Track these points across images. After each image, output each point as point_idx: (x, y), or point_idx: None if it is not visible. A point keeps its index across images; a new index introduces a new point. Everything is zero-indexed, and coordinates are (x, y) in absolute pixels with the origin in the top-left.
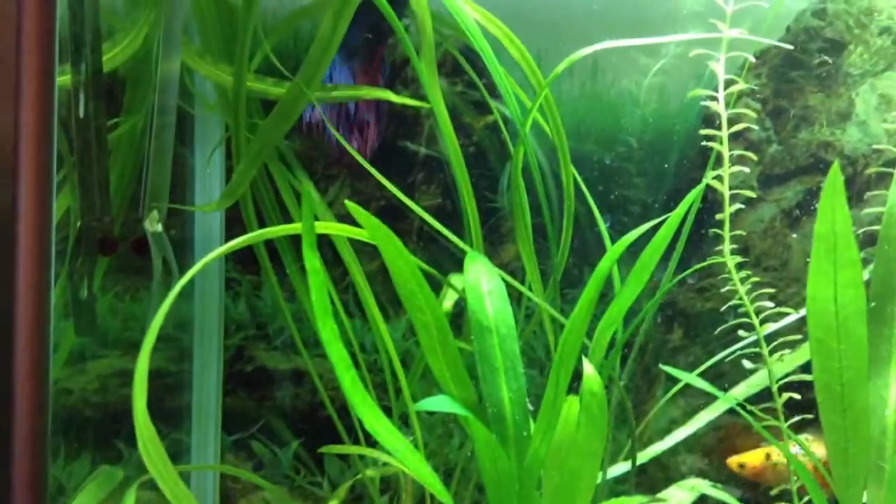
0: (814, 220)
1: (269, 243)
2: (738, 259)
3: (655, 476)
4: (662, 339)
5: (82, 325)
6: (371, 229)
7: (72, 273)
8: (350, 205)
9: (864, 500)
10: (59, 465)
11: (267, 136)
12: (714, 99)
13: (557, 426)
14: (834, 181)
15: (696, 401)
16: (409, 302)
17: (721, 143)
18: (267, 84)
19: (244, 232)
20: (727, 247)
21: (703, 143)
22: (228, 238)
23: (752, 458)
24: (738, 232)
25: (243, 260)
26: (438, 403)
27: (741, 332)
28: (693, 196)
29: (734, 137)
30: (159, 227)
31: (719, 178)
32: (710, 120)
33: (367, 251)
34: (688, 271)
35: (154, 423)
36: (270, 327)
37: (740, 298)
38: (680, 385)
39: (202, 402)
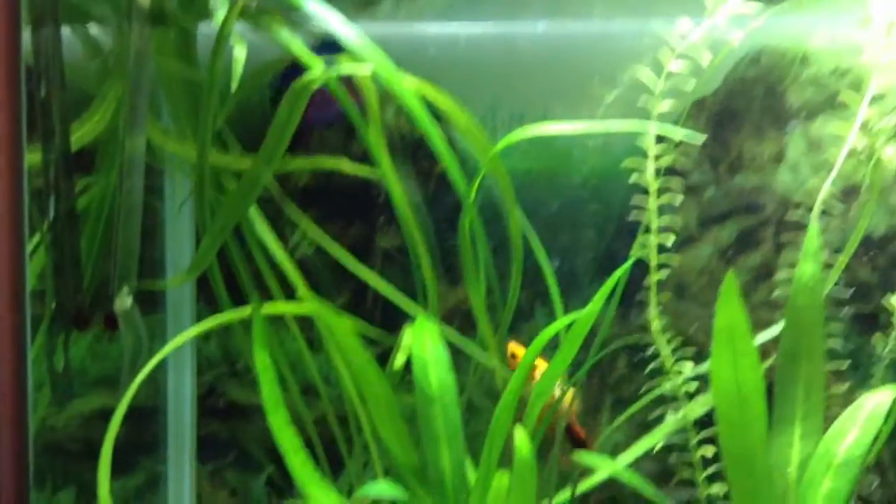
0: (747, 257)
1: (238, 287)
2: (663, 321)
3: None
4: (608, 370)
5: (59, 394)
6: (323, 319)
7: (49, 349)
8: (303, 294)
9: None
10: (47, 496)
11: (230, 212)
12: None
13: (489, 498)
14: (729, 287)
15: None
16: (358, 377)
17: (648, 209)
18: (230, 158)
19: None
20: (654, 311)
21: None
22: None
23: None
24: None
25: (214, 301)
26: (380, 489)
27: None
28: (619, 273)
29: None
30: (129, 303)
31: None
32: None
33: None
34: (614, 345)
35: (132, 455)
36: (240, 365)
37: (664, 364)
38: (627, 414)
39: (177, 434)
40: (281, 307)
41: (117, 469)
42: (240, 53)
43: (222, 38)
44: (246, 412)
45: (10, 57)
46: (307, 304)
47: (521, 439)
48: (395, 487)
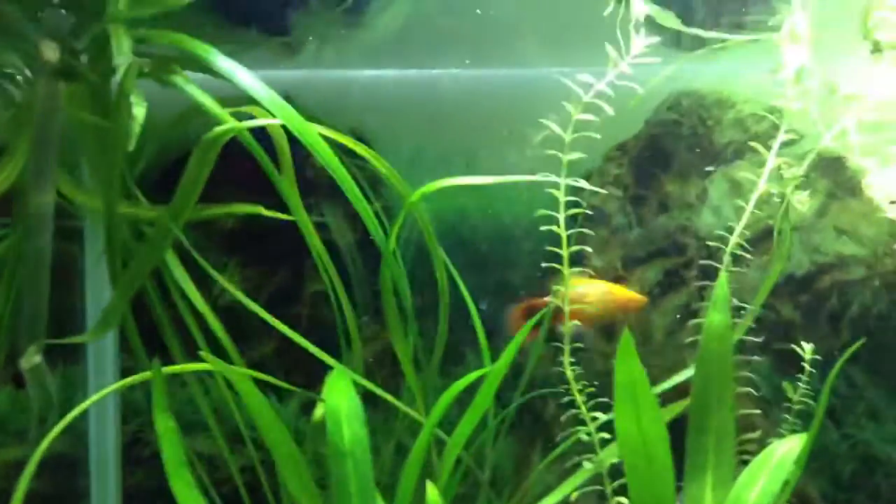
0: (672, 297)
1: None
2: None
3: None
4: (539, 411)
5: None
6: (222, 371)
7: None
8: (205, 355)
9: None
10: None
11: (140, 263)
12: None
13: None
14: (626, 344)
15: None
16: (268, 437)
17: (563, 264)
18: (140, 209)
19: None
20: (567, 359)
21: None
22: None
23: None
24: (578, 345)
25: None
26: None
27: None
28: (531, 323)
29: (599, 222)
30: (36, 360)
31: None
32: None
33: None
34: (531, 395)
35: None
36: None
37: (580, 411)
38: (554, 454)
39: (101, 484)
40: (182, 367)
41: None
42: (139, 112)
43: (123, 95)
44: None
45: None
46: (209, 361)
47: (432, 494)
48: None
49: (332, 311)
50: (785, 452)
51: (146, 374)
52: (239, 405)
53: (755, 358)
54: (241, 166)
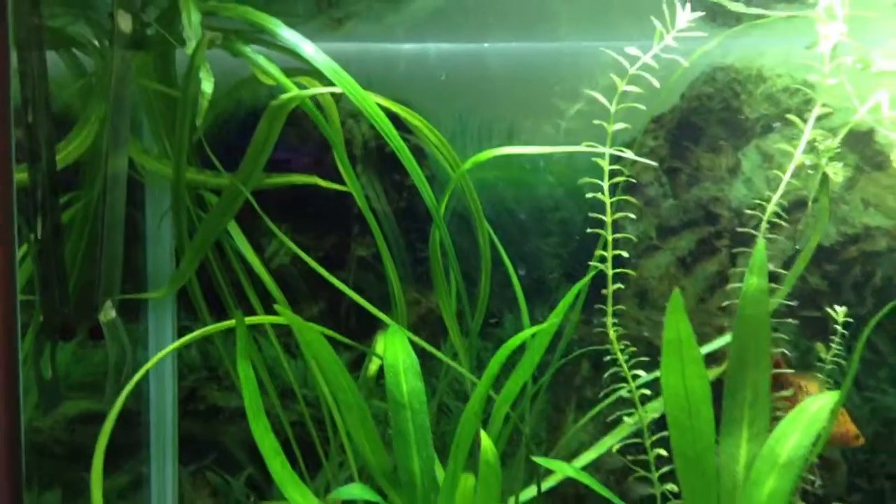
0: (703, 265)
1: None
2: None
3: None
4: (572, 372)
5: (47, 402)
6: (300, 331)
7: (36, 359)
8: (280, 308)
9: None
10: (34, 497)
11: (209, 228)
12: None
13: (456, 498)
14: (675, 302)
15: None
16: (332, 384)
17: (606, 229)
18: (207, 176)
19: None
20: (610, 320)
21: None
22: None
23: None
24: (619, 307)
25: (193, 309)
26: (353, 492)
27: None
28: (578, 287)
29: (634, 193)
30: (112, 314)
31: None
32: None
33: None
34: (574, 354)
35: (116, 457)
36: (220, 370)
37: (622, 369)
38: (588, 416)
39: (159, 437)
40: (261, 318)
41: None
42: (207, 87)
43: (193, 69)
44: (225, 415)
45: (1, 84)
46: (285, 315)
47: (487, 444)
48: (367, 490)
49: (374, 277)
50: (818, 408)
51: (229, 323)
52: (289, 362)
53: (789, 320)
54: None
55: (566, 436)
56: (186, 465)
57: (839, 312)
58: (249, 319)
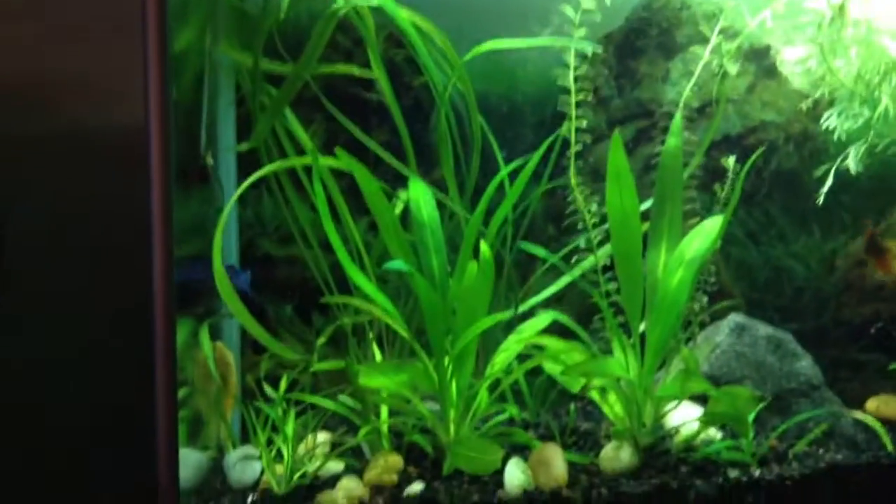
0: (642, 148)
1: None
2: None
3: None
4: (542, 228)
5: None
6: (352, 167)
7: None
8: (338, 150)
9: (643, 325)
10: None
11: (278, 102)
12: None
13: (463, 279)
14: (616, 142)
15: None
16: (375, 208)
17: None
18: (275, 65)
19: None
20: (573, 173)
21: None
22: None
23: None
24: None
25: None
26: (397, 265)
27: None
28: (548, 142)
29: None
30: (211, 161)
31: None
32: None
33: None
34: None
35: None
36: (271, 226)
37: (580, 210)
38: (548, 264)
39: None
40: (326, 161)
41: None
42: None
43: None
44: (277, 264)
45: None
46: (343, 160)
47: (484, 247)
48: (406, 265)
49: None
50: (712, 224)
51: (294, 160)
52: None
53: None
54: None
55: (535, 276)
56: None
57: (730, 161)
58: (323, 160)
